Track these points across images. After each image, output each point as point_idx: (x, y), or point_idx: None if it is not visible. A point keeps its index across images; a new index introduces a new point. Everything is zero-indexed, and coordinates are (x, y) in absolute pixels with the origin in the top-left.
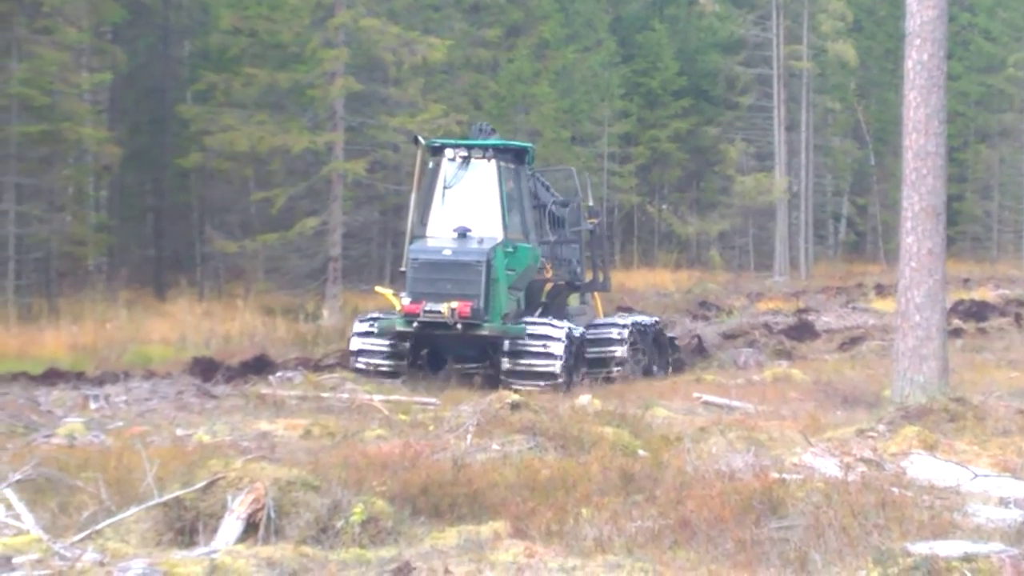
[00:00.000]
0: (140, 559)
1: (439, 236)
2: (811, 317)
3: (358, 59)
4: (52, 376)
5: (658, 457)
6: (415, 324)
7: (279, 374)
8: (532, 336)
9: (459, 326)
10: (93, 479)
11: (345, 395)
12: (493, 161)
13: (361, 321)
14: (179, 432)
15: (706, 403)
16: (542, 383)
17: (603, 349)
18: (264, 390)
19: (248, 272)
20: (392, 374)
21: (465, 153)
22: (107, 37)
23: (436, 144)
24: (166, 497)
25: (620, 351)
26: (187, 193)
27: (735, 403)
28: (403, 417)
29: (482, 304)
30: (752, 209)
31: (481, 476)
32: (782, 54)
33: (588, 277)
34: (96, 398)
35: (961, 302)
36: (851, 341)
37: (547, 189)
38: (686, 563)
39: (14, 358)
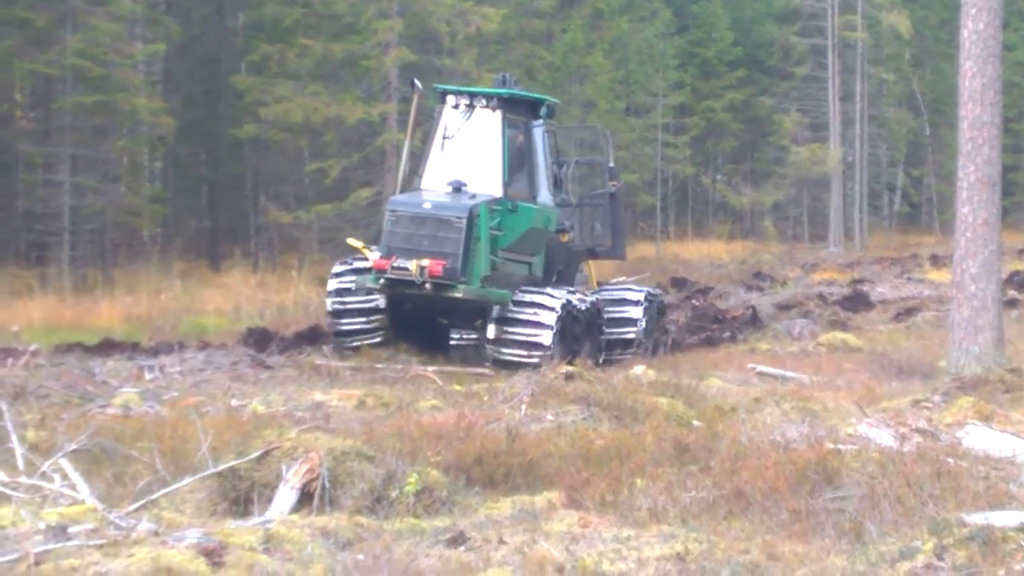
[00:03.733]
0: (195, 528)
1: (432, 189)
2: (866, 288)
3: (412, 29)
4: (107, 347)
5: (712, 427)
6: (381, 281)
7: (333, 344)
8: (519, 304)
9: (427, 286)
10: (148, 449)
11: (399, 365)
12: (498, 112)
13: (334, 277)
14: (234, 402)
15: (761, 374)
16: (530, 353)
17: (620, 310)
18: (318, 360)
19: (302, 243)
20: (370, 336)
21: (468, 101)
22: (161, 8)
23: (439, 90)
24: (221, 467)
25: (635, 312)
26: (241, 164)
27: (790, 374)
28: (457, 387)
29: (459, 264)
30: (806, 180)
31: (535, 446)
32: (837, 24)
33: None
34: (151, 368)
35: (1017, 273)
36: (906, 312)
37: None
38: (741, 533)
39: (69, 329)
